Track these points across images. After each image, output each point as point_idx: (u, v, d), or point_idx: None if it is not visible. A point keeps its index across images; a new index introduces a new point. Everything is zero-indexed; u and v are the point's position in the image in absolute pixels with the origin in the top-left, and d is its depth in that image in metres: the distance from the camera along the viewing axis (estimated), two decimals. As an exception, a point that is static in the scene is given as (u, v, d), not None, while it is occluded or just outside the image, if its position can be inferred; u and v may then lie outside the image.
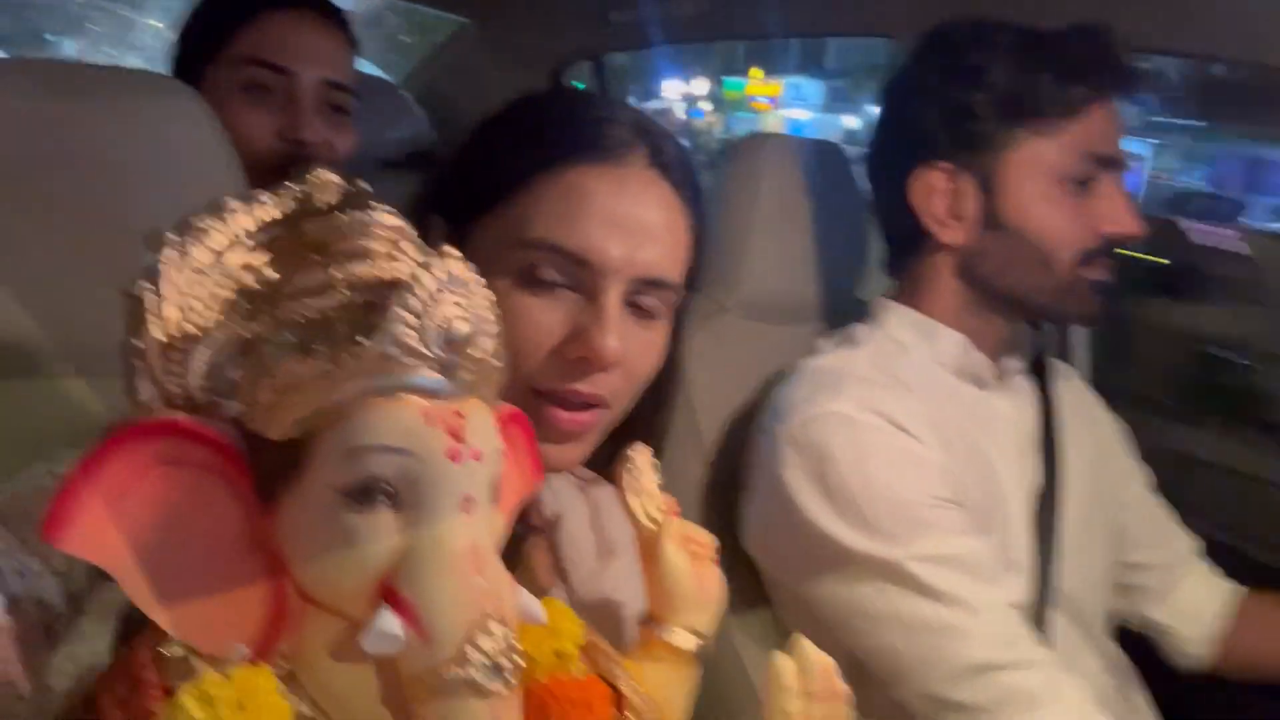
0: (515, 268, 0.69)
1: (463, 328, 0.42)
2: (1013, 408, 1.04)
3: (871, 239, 1.19)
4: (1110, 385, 1.24)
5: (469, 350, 0.43)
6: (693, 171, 0.74)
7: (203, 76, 1.09)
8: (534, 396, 0.69)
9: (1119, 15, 0.97)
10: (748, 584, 0.98)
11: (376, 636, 0.40)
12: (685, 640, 0.63)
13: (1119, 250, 0.97)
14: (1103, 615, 1.08)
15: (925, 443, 0.92)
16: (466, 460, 0.42)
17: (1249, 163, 7.91)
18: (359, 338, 0.40)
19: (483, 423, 0.44)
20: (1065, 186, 0.94)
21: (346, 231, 0.44)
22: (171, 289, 0.42)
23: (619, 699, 0.54)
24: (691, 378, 1.02)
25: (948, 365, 1.00)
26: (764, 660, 0.54)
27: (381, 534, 0.41)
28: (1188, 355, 1.62)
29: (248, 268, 0.44)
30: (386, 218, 0.44)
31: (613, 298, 0.68)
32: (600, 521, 0.82)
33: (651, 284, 0.71)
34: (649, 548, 0.64)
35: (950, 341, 1.00)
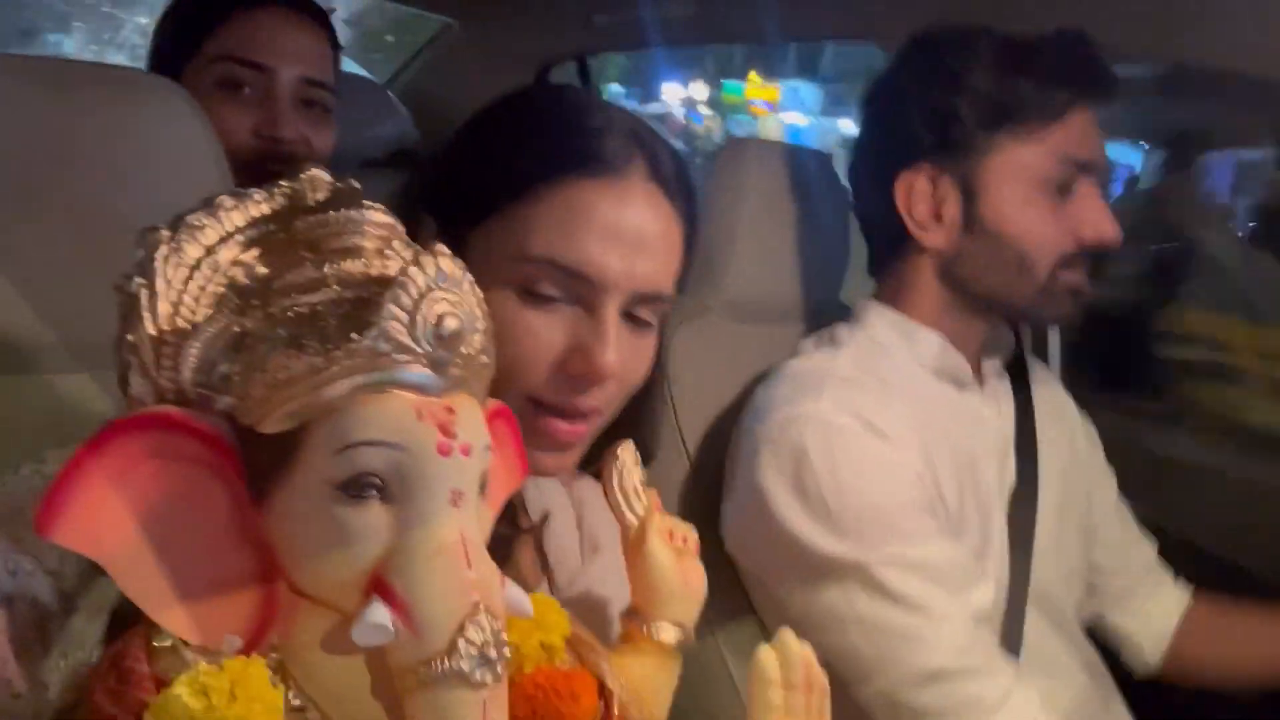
0: (514, 280, 0.68)
1: (453, 324, 0.43)
2: (990, 408, 1.05)
3: (854, 242, 1.20)
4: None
5: (459, 346, 0.44)
6: (688, 181, 0.74)
7: (180, 73, 1.08)
8: (532, 406, 0.69)
9: (1102, 21, 0.98)
10: (728, 580, 0.99)
11: (366, 628, 0.41)
12: (668, 633, 0.64)
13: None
14: (1076, 613, 1.09)
15: (902, 446, 0.92)
16: (456, 455, 0.43)
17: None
18: (351, 333, 0.41)
19: (472, 418, 0.44)
20: (1045, 191, 0.95)
21: (338, 229, 0.44)
22: (164, 284, 0.43)
23: (603, 691, 0.55)
24: (676, 377, 1.03)
25: (927, 365, 1.01)
26: (744, 654, 0.55)
27: (372, 527, 0.42)
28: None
29: (239, 264, 0.45)
30: (377, 215, 0.45)
31: (612, 312, 0.68)
32: (584, 518, 0.83)
33: (649, 297, 0.71)
34: (633, 542, 0.65)
35: (928, 342, 1.01)
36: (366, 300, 0.42)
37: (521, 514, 0.77)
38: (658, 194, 0.71)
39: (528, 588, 0.49)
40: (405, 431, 0.42)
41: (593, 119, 0.72)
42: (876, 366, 0.98)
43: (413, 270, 0.42)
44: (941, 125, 0.96)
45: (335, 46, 1.22)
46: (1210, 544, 1.28)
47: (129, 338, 0.43)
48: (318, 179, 0.46)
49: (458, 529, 0.43)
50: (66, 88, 0.74)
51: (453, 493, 0.43)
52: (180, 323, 0.43)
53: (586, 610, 0.75)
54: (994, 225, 0.96)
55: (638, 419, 0.79)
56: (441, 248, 0.44)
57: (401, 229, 0.47)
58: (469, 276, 0.45)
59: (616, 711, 0.55)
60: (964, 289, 0.99)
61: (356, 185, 0.46)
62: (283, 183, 0.46)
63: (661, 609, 0.64)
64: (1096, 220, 0.96)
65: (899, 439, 0.92)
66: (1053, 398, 1.14)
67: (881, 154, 1.02)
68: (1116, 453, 1.18)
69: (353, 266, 0.44)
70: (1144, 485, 1.22)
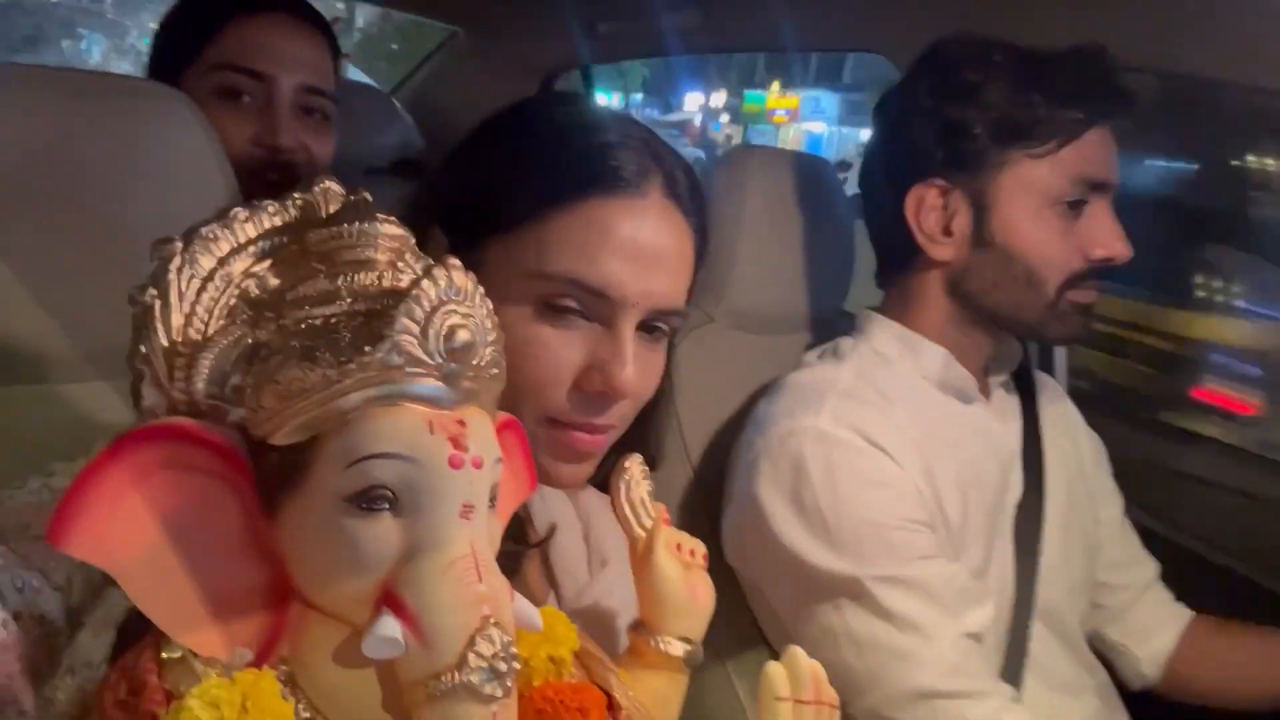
0: (532, 298, 0.68)
1: (465, 337, 0.43)
2: (996, 421, 1.05)
3: (857, 251, 1.20)
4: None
5: (470, 359, 0.44)
6: (700, 195, 0.74)
7: (179, 81, 1.07)
8: (548, 423, 0.69)
9: (1110, 31, 0.98)
10: (732, 592, 0.98)
11: (376, 641, 0.41)
12: (676, 647, 0.63)
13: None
14: (1081, 626, 1.09)
15: (902, 462, 0.92)
16: (467, 468, 0.43)
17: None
18: (363, 346, 0.41)
19: (483, 431, 0.44)
20: (1055, 209, 0.94)
21: (350, 241, 0.44)
22: (177, 296, 0.43)
23: (611, 705, 0.55)
24: (680, 387, 1.03)
25: (931, 379, 1.01)
26: (751, 667, 0.55)
27: (382, 540, 0.42)
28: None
29: (252, 275, 0.45)
30: (390, 228, 0.45)
31: (630, 330, 0.68)
32: (591, 530, 0.83)
33: (665, 312, 0.71)
34: (640, 555, 0.65)
35: (932, 356, 1.01)
36: (379, 313, 0.42)
37: (529, 528, 0.76)
38: (674, 211, 0.71)
39: (535, 601, 0.49)
40: (417, 444, 0.42)
41: (610, 135, 0.71)
42: (879, 380, 0.98)
43: (425, 283, 0.42)
44: (954, 139, 0.95)
45: (335, 54, 1.21)
46: (1220, 558, 1.28)
47: (142, 349, 0.43)
48: (331, 191, 0.46)
49: (468, 542, 0.43)
50: (70, 97, 0.74)
51: (463, 506, 0.43)
52: (193, 334, 0.43)
53: (593, 623, 0.75)
54: (1003, 241, 0.95)
55: (643, 429, 0.78)
56: (453, 261, 0.44)
57: (413, 241, 0.47)
58: (480, 289, 0.45)
59: (624, 725, 0.55)
60: (971, 304, 0.99)
61: (369, 197, 0.46)
62: (295, 194, 0.47)
63: (669, 623, 0.64)
64: (1107, 239, 0.95)
65: (899, 454, 0.92)
66: (1060, 412, 1.14)
67: (893, 166, 1.01)
68: (1125, 464, 1.19)
69: (365, 279, 0.44)
70: (1155, 497, 1.23)
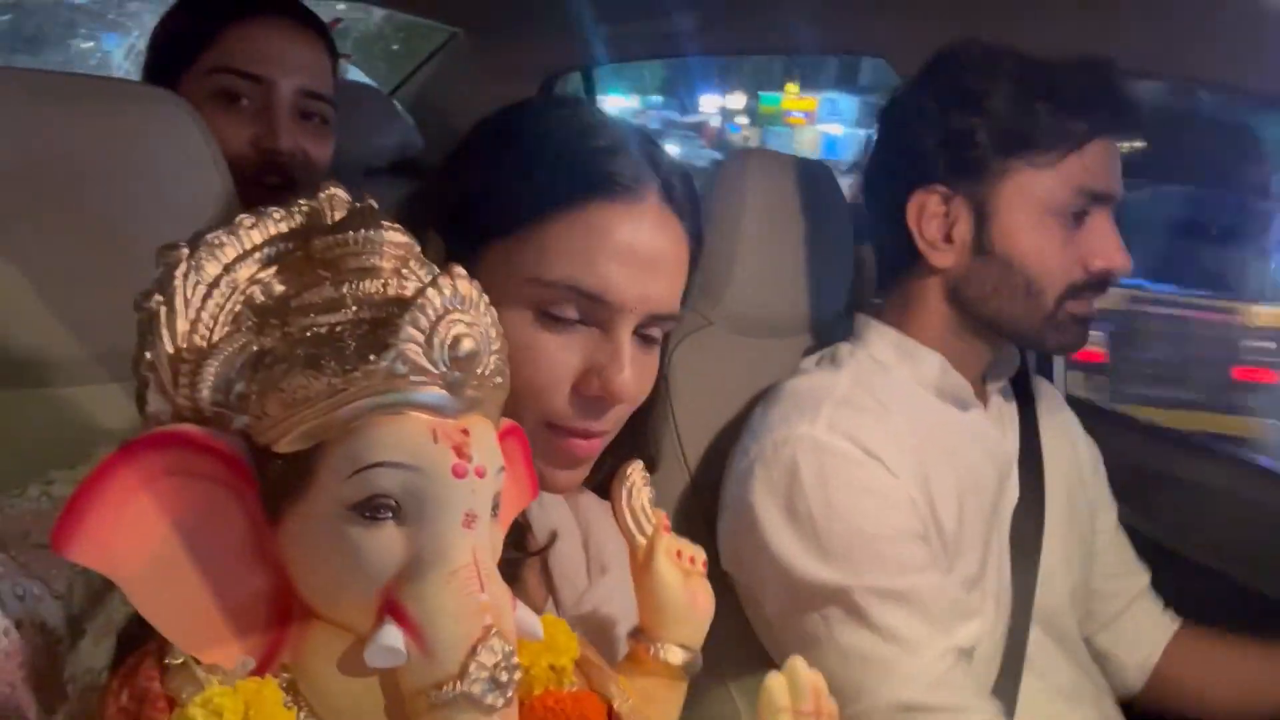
0: (530, 302, 0.68)
1: (469, 345, 0.43)
2: (995, 428, 1.05)
3: (856, 255, 1.20)
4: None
5: (475, 368, 0.44)
6: (695, 199, 0.74)
7: (177, 84, 1.07)
8: (546, 428, 0.70)
9: (1113, 37, 0.97)
10: (729, 598, 0.98)
11: (379, 650, 0.41)
12: (675, 654, 0.63)
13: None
14: (1078, 632, 1.09)
15: (897, 471, 0.92)
16: (471, 477, 0.43)
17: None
18: (368, 354, 0.41)
19: (486, 440, 0.44)
20: (1057, 219, 0.94)
21: (356, 249, 0.44)
22: (183, 303, 0.43)
23: (612, 713, 0.55)
24: (677, 391, 1.03)
25: (928, 386, 1.01)
26: (746, 676, 0.55)
27: (385, 548, 0.42)
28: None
29: (257, 282, 0.45)
30: (395, 236, 0.45)
31: (627, 334, 0.69)
32: (591, 537, 0.83)
33: (661, 317, 0.71)
34: (641, 562, 0.65)
35: (930, 363, 1.01)
36: (384, 321, 0.42)
37: (529, 535, 0.76)
38: (670, 215, 0.71)
39: (533, 607, 0.49)
40: (420, 453, 0.42)
41: (607, 139, 0.71)
42: (876, 387, 0.98)
43: (430, 292, 0.42)
44: (957, 147, 0.95)
45: (334, 57, 1.20)
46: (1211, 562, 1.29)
47: (147, 355, 0.43)
48: (337, 197, 0.46)
49: (471, 551, 0.43)
50: (69, 101, 0.74)
51: (466, 515, 0.43)
52: (198, 341, 0.43)
53: (592, 629, 0.75)
54: (1004, 249, 0.95)
55: (640, 432, 0.79)
56: (458, 269, 0.44)
57: (418, 249, 0.47)
58: (485, 298, 0.45)
59: (624, 734, 0.55)
60: (970, 311, 0.99)
61: (374, 204, 0.46)
62: (301, 201, 0.47)
63: (668, 630, 0.64)
64: (1108, 251, 0.95)
65: (895, 463, 0.92)
66: (1059, 420, 1.14)
67: (896, 172, 1.01)
68: (1120, 468, 1.19)
69: (370, 286, 0.44)
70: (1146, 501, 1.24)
